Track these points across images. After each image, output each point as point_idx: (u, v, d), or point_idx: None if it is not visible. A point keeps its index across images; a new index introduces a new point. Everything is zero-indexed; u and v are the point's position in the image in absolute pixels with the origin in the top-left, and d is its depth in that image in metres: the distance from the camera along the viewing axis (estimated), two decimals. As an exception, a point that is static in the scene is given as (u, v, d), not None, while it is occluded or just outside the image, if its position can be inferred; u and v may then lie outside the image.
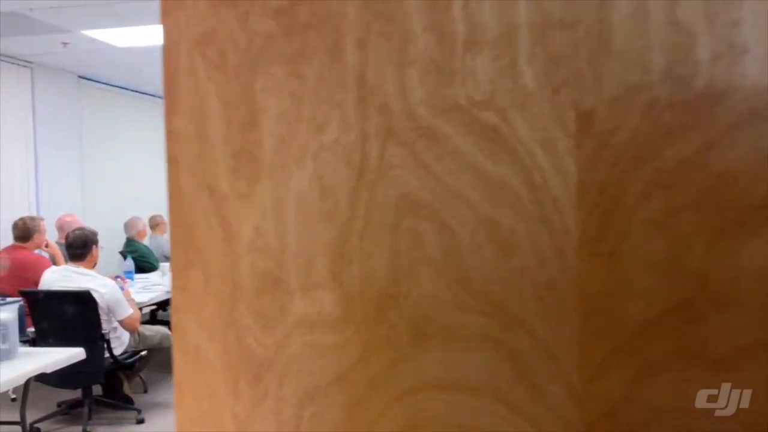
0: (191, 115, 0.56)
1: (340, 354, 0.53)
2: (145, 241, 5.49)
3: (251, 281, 0.55)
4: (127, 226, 5.41)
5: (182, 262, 0.57)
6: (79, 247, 3.58)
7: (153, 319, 5.49)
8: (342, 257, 0.53)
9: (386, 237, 0.51)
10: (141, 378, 4.01)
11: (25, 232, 3.94)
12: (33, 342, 3.42)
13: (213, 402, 0.56)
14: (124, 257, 5.01)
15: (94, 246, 3.63)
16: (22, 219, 4.02)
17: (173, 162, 0.56)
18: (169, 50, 0.56)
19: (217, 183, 0.56)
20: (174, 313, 0.57)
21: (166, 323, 5.51)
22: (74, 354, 2.77)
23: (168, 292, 4.33)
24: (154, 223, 5.79)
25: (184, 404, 0.57)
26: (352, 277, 0.52)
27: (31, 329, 3.48)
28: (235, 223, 0.55)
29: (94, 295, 3.36)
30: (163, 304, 5.25)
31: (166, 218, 5.97)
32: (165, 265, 5.10)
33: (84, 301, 3.36)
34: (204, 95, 0.55)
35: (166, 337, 3.89)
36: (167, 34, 0.56)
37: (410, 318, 0.51)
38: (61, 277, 3.54)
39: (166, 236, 5.88)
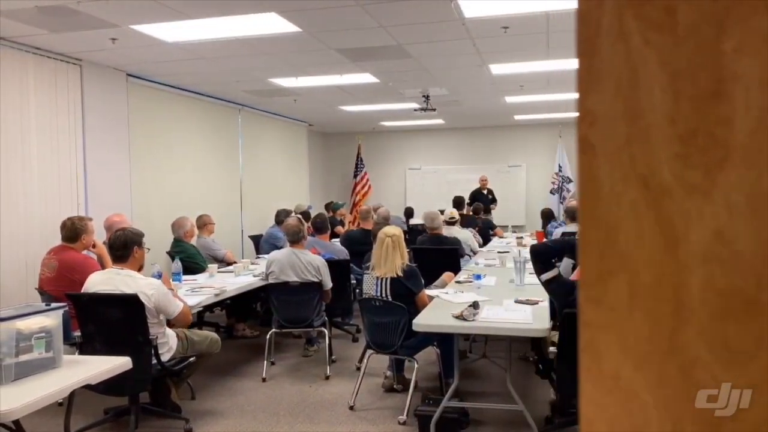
0: (617, 91, 0.43)
1: None
2: (192, 241, 5.37)
3: (707, 301, 0.42)
4: (175, 226, 5.29)
5: (598, 270, 0.44)
6: (120, 248, 3.39)
7: (200, 320, 5.32)
8: None
9: None
10: (189, 384, 3.88)
11: (73, 232, 3.82)
12: (79, 346, 3.28)
13: None
14: (172, 258, 4.87)
15: (135, 246, 3.43)
16: (70, 219, 3.90)
17: (588, 148, 0.43)
18: (586, 13, 0.43)
19: (654, 173, 0.42)
20: (583, 330, 0.44)
21: (214, 326, 5.36)
22: (120, 364, 2.63)
23: (216, 294, 4.21)
24: (202, 223, 5.67)
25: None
26: None
27: (77, 333, 3.35)
28: (682, 223, 0.42)
29: (141, 298, 3.21)
30: (210, 307, 5.08)
31: (213, 219, 5.85)
32: (213, 266, 4.97)
33: (130, 304, 3.22)
34: (638, 64, 0.42)
35: (215, 342, 3.74)
36: None
37: None
38: (105, 279, 3.38)
39: (213, 236, 5.75)
